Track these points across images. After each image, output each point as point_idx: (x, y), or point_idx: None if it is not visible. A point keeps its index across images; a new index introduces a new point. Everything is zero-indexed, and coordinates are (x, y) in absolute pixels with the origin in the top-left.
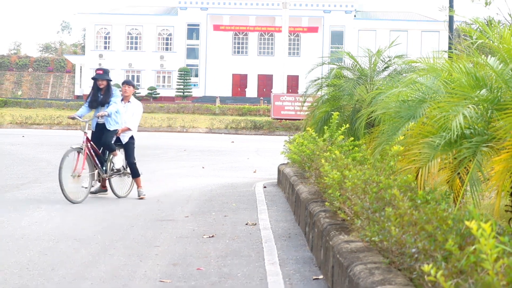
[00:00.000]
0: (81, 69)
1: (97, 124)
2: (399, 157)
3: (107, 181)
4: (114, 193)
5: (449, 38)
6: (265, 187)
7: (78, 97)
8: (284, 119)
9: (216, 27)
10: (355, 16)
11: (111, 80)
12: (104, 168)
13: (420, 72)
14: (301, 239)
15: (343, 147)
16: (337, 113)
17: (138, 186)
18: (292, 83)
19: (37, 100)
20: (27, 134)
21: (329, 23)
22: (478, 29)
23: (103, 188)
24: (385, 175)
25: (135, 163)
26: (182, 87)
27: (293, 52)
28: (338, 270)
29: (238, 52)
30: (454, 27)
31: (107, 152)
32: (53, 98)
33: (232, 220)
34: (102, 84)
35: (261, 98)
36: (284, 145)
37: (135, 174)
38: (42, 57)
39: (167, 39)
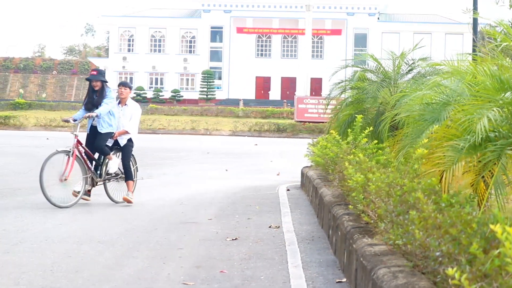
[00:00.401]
0: (105, 72)
1: (92, 127)
2: (423, 160)
3: (100, 186)
4: (110, 198)
5: (473, 40)
6: (288, 190)
7: None
8: (308, 121)
9: (240, 30)
10: (378, 18)
11: (106, 81)
12: (98, 172)
13: (444, 75)
14: (324, 242)
15: (366, 150)
16: (361, 116)
17: (129, 189)
18: (316, 86)
19: (61, 102)
20: (51, 137)
21: (352, 25)
22: (503, 32)
23: (87, 192)
24: (409, 178)
25: (130, 166)
26: (205, 89)
27: (316, 55)
28: (362, 273)
29: (262, 54)
30: (478, 29)
31: (102, 156)
32: (77, 101)
33: (255, 222)
34: (97, 85)
35: (285, 100)
36: (307, 148)
37: (128, 176)
38: (66, 59)
39: (190, 41)
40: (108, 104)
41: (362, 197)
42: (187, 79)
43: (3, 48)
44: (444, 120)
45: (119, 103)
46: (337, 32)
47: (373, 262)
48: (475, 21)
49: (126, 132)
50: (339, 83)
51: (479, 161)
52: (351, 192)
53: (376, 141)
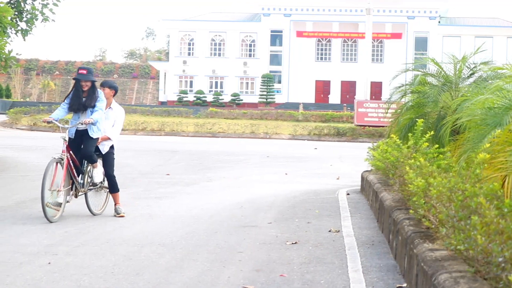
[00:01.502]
0: (165, 76)
1: (76, 131)
2: (485, 165)
3: (81, 196)
4: (90, 210)
5: None
6: (348, 194)
7: (162, 103)
8: (368, 125)
9: (299, 34)
10: (439, 22)
11: (95, 81)
12: (81, 181)
13: (507, 79)
14: (384, 246)
15: (427, 155)
16: (422, 120)
17: (116, 202)
18: (376, 90)
19: (122, 106)
20: None
21: (413, 29)
22: None
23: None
24: (470, 183)
25: (114, 176)
26: (265, 93)
27: (376, 59)
28: (423, 278)
29: (321, 58)
30: None
31: (85, 163)
32: (137, 104)
33: (315, 226)
34: (86, 85)
35: (344, 104)
36: (367, 152)
37: (113, 188)
38: (127, 63)
39: (250, 45)
40: (102, 109)
41: (423, 201)
42: (247, 83)
43: (65, 52)
44: (506, 124)
45: None
46: (397, 35)
47: (434, 267)
48: None
49: (109, 138)
50: (399, 87)
51: None
52: (411, 196)
53: (437, 146)
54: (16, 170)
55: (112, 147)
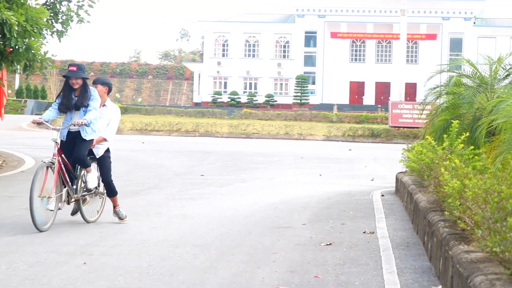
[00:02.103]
0: (199, 77)
1: (69, 133)
2: None
3: (74, 202)
4: (83, 217)
5: None
6: (382, 195)
7: (196, 104)
8: (402, 127)
9: (334, 35)
10: (474, 23)
11: (87, 78)
12: (74, 187)
13: None
14: (419, 248)
15: (463, 156)
16: (457, 121)
17: (116, 205)
18: (410, 91)
19: (156, 107)
20: (146, 141)
21: (447, 30)
22: None
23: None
24: (506, 184)
25: (112, 182)
26: (299, 94)
27: (411, 60)
28: (458, 280)
29: (356, 59)
30: None
31: (78, 167)
32: (172, 105)
33: (349, 228)
34: (77, 83)
35: (379, 105)
36: (402, 153)
37: (111, 193)
38: (162, 64)
39: (284, 46)
40: (96, 109)
41: (458, 203)
42: (281, 84)
43: (100, 53)
44: None
45: None
46: (432, 36)
47: (470, 269)
48: None
49: (104, 140)
50: (434, 88)
51: None
52: (447, 198)
53: (472, 147)
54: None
55: (107, 150)
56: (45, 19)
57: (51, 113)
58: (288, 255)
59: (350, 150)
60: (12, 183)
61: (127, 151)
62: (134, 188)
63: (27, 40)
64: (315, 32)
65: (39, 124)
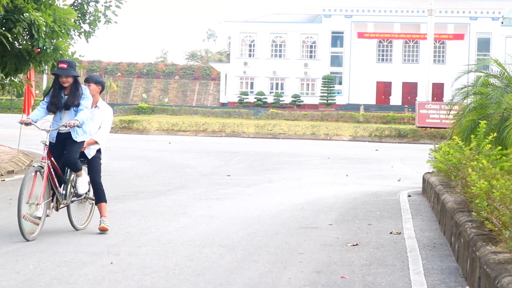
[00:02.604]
0: (226, 77)
1: (58, 134)
2: None
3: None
4: (72, 224)
5: None
6: (409, 196)
7: (223, 104)
8: (429, 127)
9: (360, 35)
10: (502, 22)
11: (78, 76)
12: (63, 192)
13: None
14: (446, 249)
15: (490, 156)
16: (485, 121)
17: (102, 214)
18: (437, 91)
19: (183, 107)
20: (173, 141)
21: (475, 30)
22: None
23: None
24: None
25: (101, 184)
26: (325, 94)
27: (438, 60)
28: (485, 281)
29: (382, 59)
30: None
31: (68, 171)
32: (198, 106)
33: (376, 228)
34: (67, 81)
35: (406, 106)
36: (429, 154)
37: (100, 198)
38: (188, 65)
39: (311, 46)
40: (88, 108)
41: (486, 204)
42: (307, 84)
43: (127, 54)
44: None
45: None
46: (459, 36)
47: (497, 270)
48: None
49: (96, 142)
50: (461, 88)
51: None
52: (474, 199)
53: (500, 147)
54: None
55: (99, 151)
56: (72, 20)
57: (39, 112)
58: (314, 255)
59: (377, 150)
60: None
61: (154, 151)
62: (160, 188)
63: (55, 40)
64: (342, 32)
65: (27, 124)
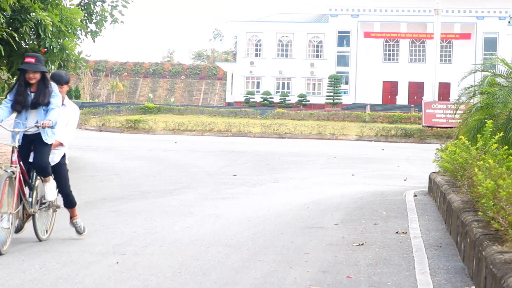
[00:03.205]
0: (232, 77)
1: (24, 136)
2: None
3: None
4: (37, 235)
5: None
6: (415, 195)
7: (229, 104)
8: (435, 127)
9: (367, 34)
10: (509, 22)
11: (47, 72)
12: (30, 199)
13: None
14: (452, 248)
15: (497, 156)
16: (491, 121)
17: (73, 216)
18: (444, 91)
19: (189, 107)
20: (179, 140)
21: (482, 29)
22: None
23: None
24: None
25: (71, 192)
26: (332, 94)
27: (444, 59)
28: (491, 281)
29: (389, 59)
30: None
31: (34, 176)
32: (204, 105)
33: (382, 228)
34: (34, 78)
35: (412, 105)
36: (435, 153)
37: (71, 204)
38: (194, 64)
39: (317, 46)
40: (59, 106)
41: (492, 203)
42: (314, 84)
43: (133, 53)
44: None
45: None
46: (466, 36)
47: (504, 270)
48: None
49: (60, 145)
50: (468, 88)
51: None
52: (480, 198)
53: (506, 147)
54: (85, 170)
55: (64, 156)
56: (79, 20)
57: (3, 112)
58: (320, 255)
59: (383, 150)
60: None
61: (160, 151)
62: (167, 187)
63: (61, 40)
64: (348, 32)
65: None
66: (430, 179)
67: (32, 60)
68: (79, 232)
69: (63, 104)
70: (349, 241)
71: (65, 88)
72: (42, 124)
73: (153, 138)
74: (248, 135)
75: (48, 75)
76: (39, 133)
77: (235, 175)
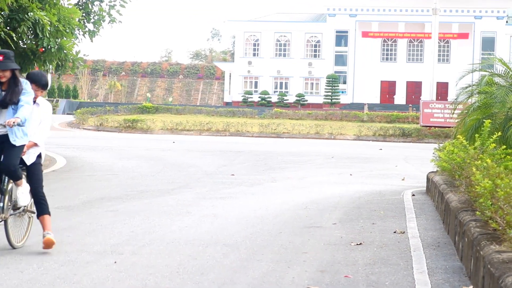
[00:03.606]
0: (230, 76)
1: None
2: None
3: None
4: (9, 242)
5: None
6: (413, 195)
7: (227, 103)
8: (433, 126)
9: (365, 34)
10: (507, 22)
11: (18, 69)
12: (1, 204)
13: None
14: (450, 248)
15: (494, 156)
16: (489, 120)
17: (45, 228)
18: (442, 90)
19: (187, 106)
20: (177, 140)
21: (480, 29)
22: None
23: None
24: None
25: (44, 194)
26: (330, 94)
27: (442, 59)
28: (489, 280)
29: (387, 59)
30: None
31: (6, 179)
32: (202, 105)
33: (380, 228)
34: (4, 76)
35: (410, 105)
36: (433, 153)
37: (43, 210)
38: (192, 64)
39: (315, 46)
40: (30, 104)
41: (490, 203)
42: (312, 83)
43: (131, 53)
44: None
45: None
46: (464, 36)
47: (501, 270)
48: None
49: (35, 145)
50: (466, 87)
51: None
52: (478, 198)
53: (504, 147)
54: (82, 170)
55: (39, 156)
56: (77, 19)
57: None
58: (318, 254)
59: (381, 149)
60: (44, 182)
61: (158, 151)
62: (165, 187)
63: (59, 40)
64: (346, 32)
65: None
66: (428, 178)
67: (1, 57)
68: (47, 244)
69: (35, 102)
70: (347, 241)
71: (42, 93)
72: (7, 122)
73: (151, 137)
74: (246, 134)
75: (19, 72)
76: (8, 134)
77: (233, 174)
